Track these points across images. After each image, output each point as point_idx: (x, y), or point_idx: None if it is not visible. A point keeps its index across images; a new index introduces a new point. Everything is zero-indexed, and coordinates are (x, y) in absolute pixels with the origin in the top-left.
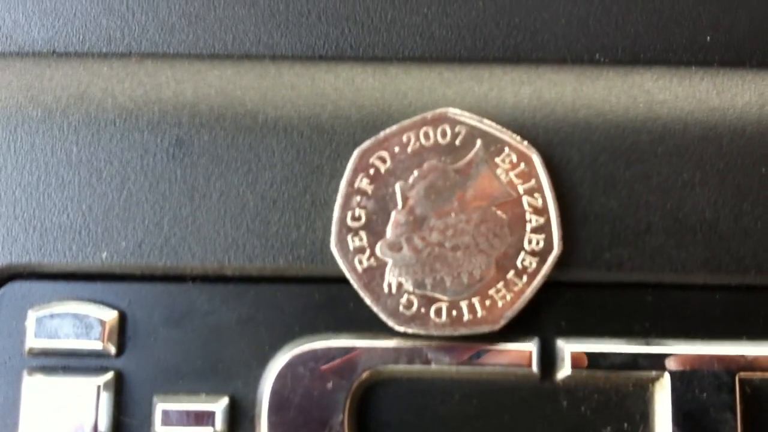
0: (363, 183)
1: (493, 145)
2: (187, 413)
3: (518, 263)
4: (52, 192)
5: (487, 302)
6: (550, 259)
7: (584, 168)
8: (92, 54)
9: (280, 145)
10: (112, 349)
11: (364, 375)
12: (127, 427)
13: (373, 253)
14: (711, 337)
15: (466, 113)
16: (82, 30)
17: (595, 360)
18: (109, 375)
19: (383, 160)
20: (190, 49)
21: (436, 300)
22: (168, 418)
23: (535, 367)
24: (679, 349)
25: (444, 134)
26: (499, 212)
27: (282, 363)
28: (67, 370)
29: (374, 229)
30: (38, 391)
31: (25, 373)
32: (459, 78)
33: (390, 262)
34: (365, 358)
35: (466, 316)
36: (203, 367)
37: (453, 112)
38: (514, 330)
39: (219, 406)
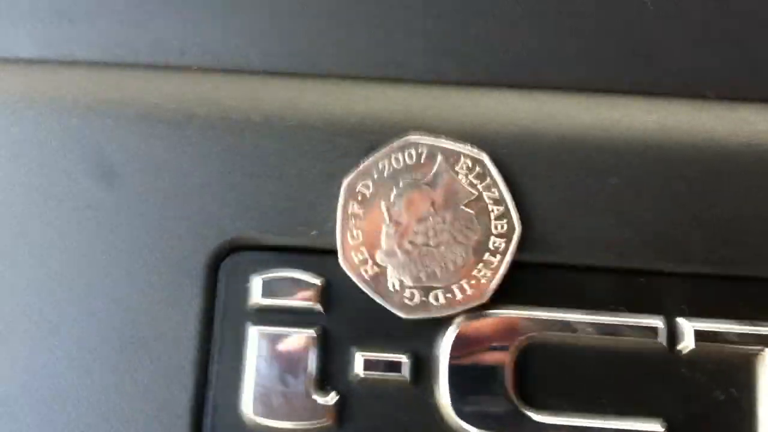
0: (354, 208)
1: (451, 156)
2: (383, 361)
3: (490, 246)
4: (271, 182)
5: (473, 282)
6: (515, 238)
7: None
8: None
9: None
10: (320, 308)
11: (524, 338)
12: (332, 372)
13: (374, 262)
14: None
15: (425, 136)
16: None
17: (711, 336)
18: (318, 329)
19: (367, 187)
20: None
21: (432, 289)
22: (368, 365)
23: (662, 340)
24: None
25: (410, 156)
26: (466, 209)
27: (459, 325)
28: (282, 324)
29: (371, 243)
30: (260, 341)
31: (248, 327)
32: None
33: (389, 267)
34: (525, 325)
35: (459, 297)
36: (393, 327)
37: (414, 137)
38: (646, 308)
39: (407, 357)
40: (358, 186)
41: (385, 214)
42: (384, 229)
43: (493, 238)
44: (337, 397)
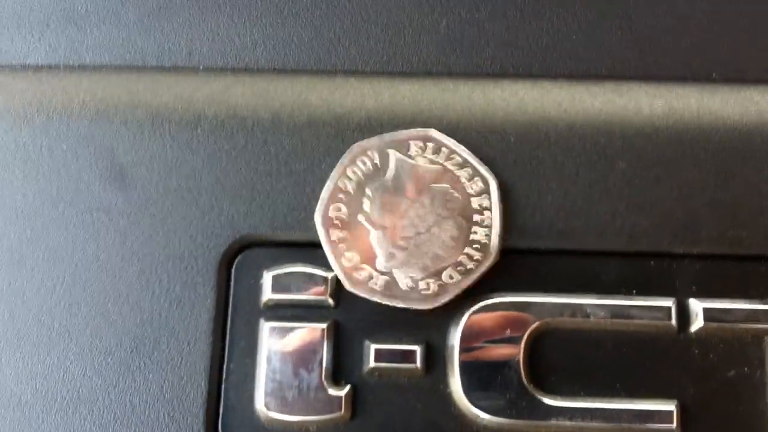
0: (337, 234)
1: (402, 147)
2: (395, 351)
3: (475, 206)
4: (281, 179)
5: (476, 246)
6: (493, 189)
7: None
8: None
9: None
10: (332, 302)
11: (536, 325)
12: (345, 364)
13: (379, 272)
14: None
15: (369, 139)
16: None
17: (722, 315)
18: (330, 322)
19: (339, 209)
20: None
21: (442, 270)
22: (380, 356)
23: (673, 321)
24: None
25: (365, 163)
26: (439, 185)
27: (470, 313)
28: (295, 319)
29: (368, 257)
30: (273, 336)
31: (262, 321)
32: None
33: (394, 270)
34: (537, 311)
35: (470, 265)
36: (404, 317)
37: (359, 144)
38: (656, 290)
39: (419, 347)
40: (331, 213)
41: (368, 226)
42: (373, 238)
43: (473, 199)
44: (351, 389)
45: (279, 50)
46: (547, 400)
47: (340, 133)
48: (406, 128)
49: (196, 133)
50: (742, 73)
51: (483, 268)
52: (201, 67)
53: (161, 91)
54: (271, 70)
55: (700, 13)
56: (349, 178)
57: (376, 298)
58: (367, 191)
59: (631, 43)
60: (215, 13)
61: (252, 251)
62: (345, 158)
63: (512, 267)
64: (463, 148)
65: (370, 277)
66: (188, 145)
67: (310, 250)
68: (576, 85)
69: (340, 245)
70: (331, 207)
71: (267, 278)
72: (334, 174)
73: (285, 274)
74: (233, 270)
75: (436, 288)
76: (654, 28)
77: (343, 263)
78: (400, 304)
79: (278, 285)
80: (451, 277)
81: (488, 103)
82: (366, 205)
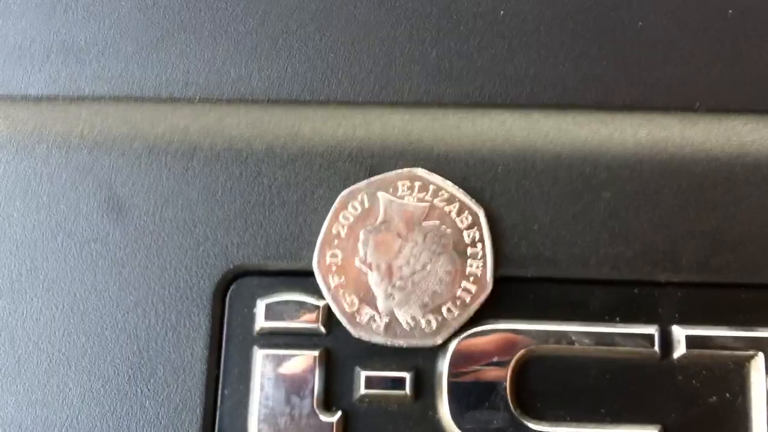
0: (335, 280)
1: (390, 187)
2: (385, 378)
3: (467, 240)
4: (274, 210)
5: (472, 279)
6: (483, 221)
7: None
8: None
9: None
10: (323, 330)
11: (522, 351)
12: (336, 391)
13: (381, 314)
14: None
15: (359, 182)
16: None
17: (704, 342)
18: (322, 349)
19: (335, 255)
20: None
21: (441, 306)
22: (370, 383)
23: (656, 348)
24: None
25: (355, 208)
26: (429, 222)
27: (458, 341)
28: (287, 346)
29: (367, 299)
30: (266, 363)
31: (255, 349)
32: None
33: (394, 310)
34: (523, 338)
35: (467, 299)
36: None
37: (347, 189)
38: (640, 318)
39: (409, 374)
40: (328, 259)
41: (364, 268)
42: (371, 280)
43: (465, 232)
44: (342, 416)
45: (273, 82)
46: (534, 426)
47: (332, 164)
48: (396, 158)
49: (191, 164)
50: (724, 103)
51: (480, 300)
52: (197, 99)
53: (158, 122)
54: (265, 101)
55: (684, 44)
56: (342, 224)
57: (379, 341)
58: (361, 235)
59: (616, 74)
60: (211, 45)
61: (245, 280)
62: (336, 203)
63: (499, 295)
64: (449, 183)
65: (372, 320)
66: (184, 176)
67: (303, 278)
68: (562, 114)
69: (340, 291)
70: (327, 254)
71: (260, 306)
72: (327, 220)
73: (278, 302)
74: (227, 298)
75: (436, 324)
76: (639, 59)
77: (344, 308)
78: (403, 344)
79: (271, 313)
80: (450, 312)
81: (476, 132)
82: (360, 248)
